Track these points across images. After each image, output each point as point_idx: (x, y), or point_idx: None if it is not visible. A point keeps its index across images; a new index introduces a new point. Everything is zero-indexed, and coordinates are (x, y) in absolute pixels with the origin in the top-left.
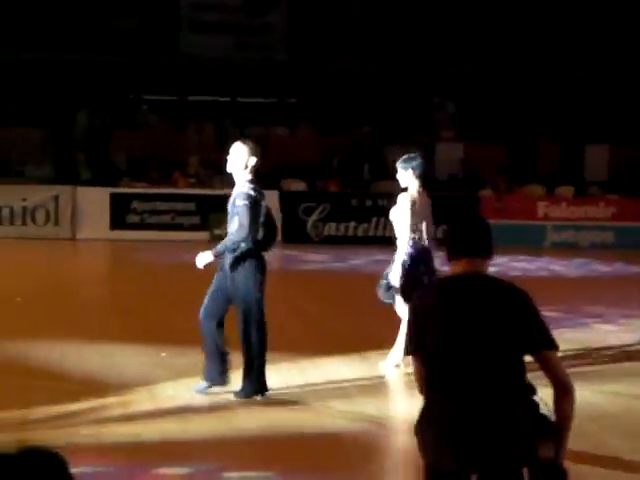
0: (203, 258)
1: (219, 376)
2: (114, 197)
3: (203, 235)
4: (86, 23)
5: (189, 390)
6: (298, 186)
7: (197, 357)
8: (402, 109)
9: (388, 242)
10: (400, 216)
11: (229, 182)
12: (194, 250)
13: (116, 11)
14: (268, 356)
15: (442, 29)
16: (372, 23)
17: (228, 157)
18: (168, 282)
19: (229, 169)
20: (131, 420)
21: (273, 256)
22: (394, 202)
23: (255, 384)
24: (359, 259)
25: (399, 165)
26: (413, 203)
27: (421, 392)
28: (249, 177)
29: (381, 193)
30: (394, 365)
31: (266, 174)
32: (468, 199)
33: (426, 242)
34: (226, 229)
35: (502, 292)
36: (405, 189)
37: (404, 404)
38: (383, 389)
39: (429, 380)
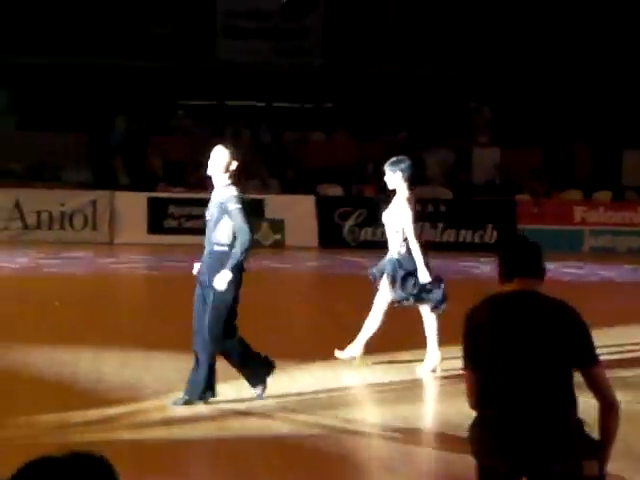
0: (223, 279)
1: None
2: (151, 202)
3: None
4: (123, 29)
5: (226, 394)
6: (334, 191)
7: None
8: (439, 114)
9: (426, 247)
10: (403, 219)
11: (265, 186)
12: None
13: (153, 17)
14: (303, 360)
15: (478, 34)
16: (409, 28)
17: (210, 160)
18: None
19: (210, 172)
20: (169, 424)
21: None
22: (430, 207)
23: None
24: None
25: (387, 167)
26: (412, 204)
27: (473, 407)
28: (229, 181)
29: (418, 198)
30: (430, 370)
31: (302, 179)
32: (505, 204)
33: None
34: (239, 237)
35: (553, 308)
36: (393, 192)
37: (441, 408)
38: (418, 393)
39: (483, 393)
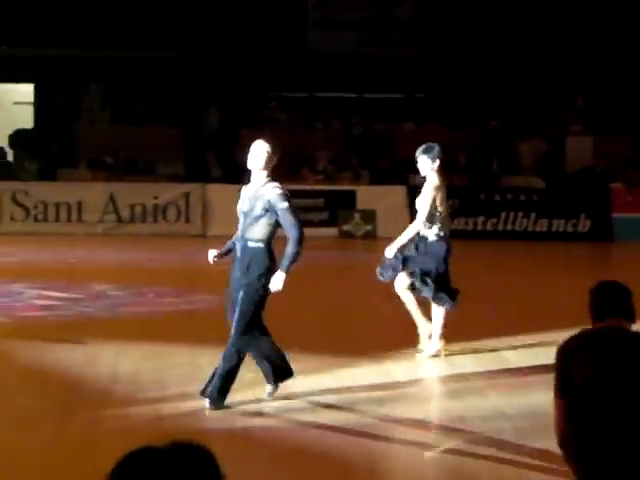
0: (280, 280)
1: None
2: None
3: (332, 231)
4: (215, 23)
5: (319, 385)
6: None
7: (325, 355)
8: (531, 103)
9: (517, 237)
10: (422, 202)
11: (356, 177)
12: (323, 246)
13: (244, 10)
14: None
15: (570, 22)
16: (500, 17)
17: (250, 155)
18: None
19: (250, 166)
20: (260, 415)
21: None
22: (522, 196)
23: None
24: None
25: (418, 155)
26: (437, 191)
27: (561, 445)
28: (269, 177)
29: (510, 187)
30: (433, 354)
31: (394, 169)
32: (598, 192)
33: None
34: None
35: None
36: (424, 178)
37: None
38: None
39: (575, 423)
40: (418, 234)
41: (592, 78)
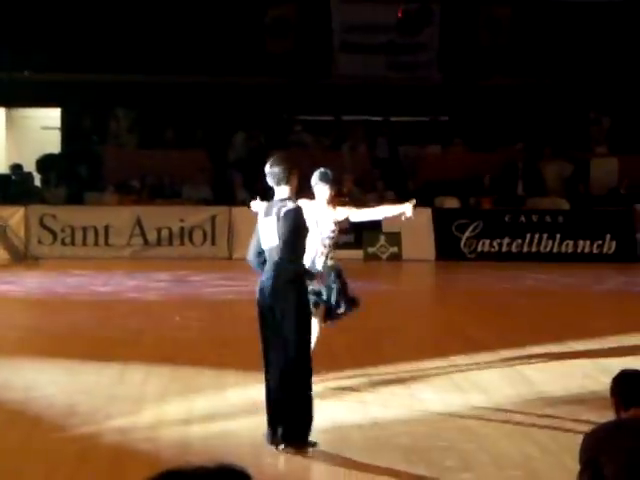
0: None
1: None
2: None
3: (357, 253)
4: (242, 47)
5: (346, 408)
6: (451, 203)
7: (346, 376)
8: (556, 124)
9: (542, 258)
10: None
11: (382, 200)
12: (349, 268)
13: (271, 34)
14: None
15: (596, 44)
16: (525, 39)
17: (270, 171)
18: None
19: (272, 183)
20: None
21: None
22: (548, 217)
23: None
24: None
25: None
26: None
27: None
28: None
29: (535, 209)
30: None
31: (419, 191)
32: (623, 214)
33: None
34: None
35: None
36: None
37: (564, 422)
38: (541, 406)
39: None
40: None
41: (618, 99)
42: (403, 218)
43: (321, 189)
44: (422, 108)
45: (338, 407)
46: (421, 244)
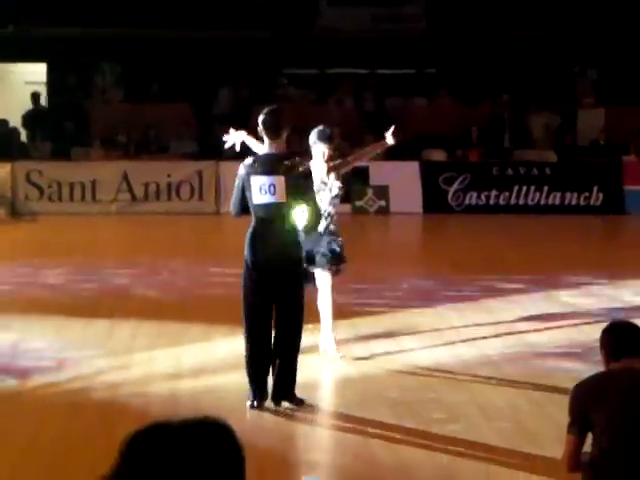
0: None
1: None
2: None
3: (345, 207)
4: (227, 0)
5: (335, 360)
6: (438, 156)
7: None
8: (542, 77)
9: (530, 210)
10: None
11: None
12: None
13: None
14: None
15: None
16: None
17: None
18: None
19: (264, 135)
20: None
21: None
22: (535, 170)
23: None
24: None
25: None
26: None
27: (569, 470)
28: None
29: (522, 161)
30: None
31: (406, 144)
32: (611, 165)
33: None
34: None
35: None
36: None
37: (552, 373)
38: (529, 357)
39: (602, 454)
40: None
41: (604, 51)
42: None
43: (320, 148)
44: (408, 60)
45: (326, 361)
46: (409, 197)
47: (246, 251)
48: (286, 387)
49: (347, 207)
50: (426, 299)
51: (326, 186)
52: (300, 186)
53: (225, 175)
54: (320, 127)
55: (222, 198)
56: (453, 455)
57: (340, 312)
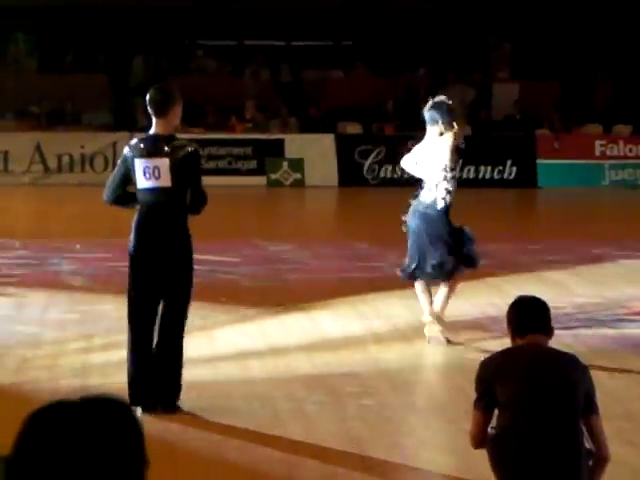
0: None
1: None
2: None
3: (260, 180)
4: None
5: (247, 333)
6: (354, 129)
7: (249, 303)
8: (458, 50)
9: None
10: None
11: (285, 126)
12: (251, 195)
13: None
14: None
15: None
16: None
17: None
18: (224, 226)
19: (151, 113)
20: (190, 364)
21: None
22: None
23: None
24: None
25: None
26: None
27: (476, 446)
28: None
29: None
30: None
31: (322, 117)
32: (524, 139)
33: None
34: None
35: (564, 360)
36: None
37: (462, 346)
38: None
39: (501, 434)
40: None
41: (520, 24)
42: None
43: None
44: (325, 32)
45: (238, 335)
46: (324, 170)
47: (130, 240)
48: (165, 393)
49: (262, 179)
50: (340, 271)
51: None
52: (186, 169)
53: None
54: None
55: None
56: (366, 429)
57: (255, 286)
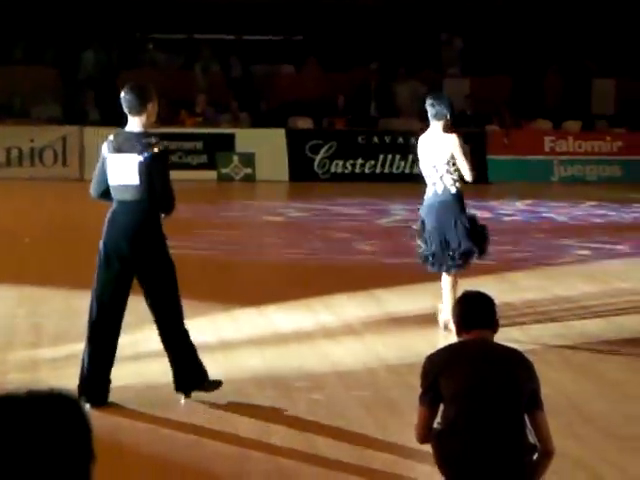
0: None
1: None
2: None
3: (211, 174)
4: None
5: (198, 327)
6: (305, 124)
7: (199, 297)
8: (409, 45)
9: (395, 179)
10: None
11: (236, 121)
12: (202, 189)
13: None
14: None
15: None
16: None
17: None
18: (174, 221)
19: (126, 111)
20: (140, 359)
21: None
22: (400, 139)
23: None
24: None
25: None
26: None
27: (420, 440)
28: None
29: (388, 130)
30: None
31: (273, 112)
32: (474, 135)
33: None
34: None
35: (508, 355)
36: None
37: (412, 341)
38: (391, 326)
39: (447, 428)
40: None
41: (471, 20)
42: None
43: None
44: (276, 27)
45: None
46: (275, 165)
47: (102, 237)
48: (193, 379)
49: (212, 174)
50: (290, 266)
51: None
52: (153, 168)
53: (89, 141)
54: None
55: (86, 164)
56: (316, 424)
57: (206, 280)
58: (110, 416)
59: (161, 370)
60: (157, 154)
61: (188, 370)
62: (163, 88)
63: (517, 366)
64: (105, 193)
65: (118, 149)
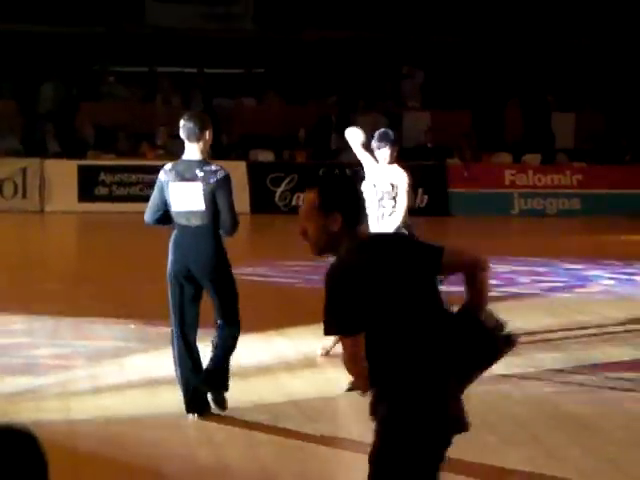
0: None
1: None
2: (82, 169)
3: None
4: None
5: (158, 360)
6: (266, 156)
7: (166, 328)
8: (370, 78)
9: None
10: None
11: None
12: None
13: None
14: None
15: None
16: None
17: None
18: (137, 254)
19: (184, 137)
20: (100, 393)
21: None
22: (362, 171)
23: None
24: None
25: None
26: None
27: (366, 389)
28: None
29: (348, 163)
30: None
31: (234, 145)
32: (435, 168)
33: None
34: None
35: (400, 240)
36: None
37: None
38: None
39: (398, 353)
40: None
41: (431, 53)
42: None
43: (385, 151)
44: (237, 60)
45: (149, 362)
46: (236, 197)
47: (168, 261)
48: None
49: None
50: (249, 298)
51: (393, 190)
52: (217, 193)
53: (50, 173)
54: (383, 130)
55: (46, 196)
56: (275, 456)
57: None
58: (70, 439)
59: (118, 401)
60: (221, 180)
61: (222, 371)
62: (124, 120)
63: (411, 248)
64: (159, 220)
65: (181, 177)
